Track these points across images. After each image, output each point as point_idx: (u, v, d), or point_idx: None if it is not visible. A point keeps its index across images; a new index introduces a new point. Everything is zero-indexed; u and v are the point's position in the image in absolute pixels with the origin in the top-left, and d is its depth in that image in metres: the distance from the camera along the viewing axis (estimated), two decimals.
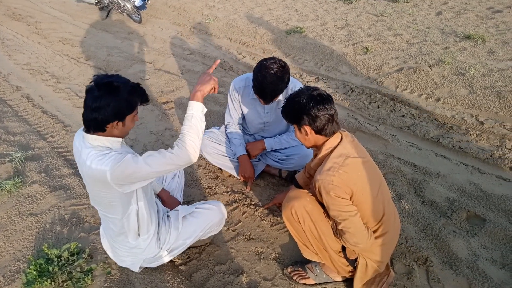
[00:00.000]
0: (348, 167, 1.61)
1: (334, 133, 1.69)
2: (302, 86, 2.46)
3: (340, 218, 1.62)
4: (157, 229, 1.93)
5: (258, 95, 2.30)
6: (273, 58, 2.20)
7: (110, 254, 2.04)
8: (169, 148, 1.68)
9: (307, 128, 1.68)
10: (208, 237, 2.25)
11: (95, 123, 1.57)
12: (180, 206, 2.11)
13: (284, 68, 2.18)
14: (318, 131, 1.67)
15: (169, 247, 1.96)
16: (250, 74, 2.43)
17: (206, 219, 2.04)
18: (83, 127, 1.63)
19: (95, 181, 1.62)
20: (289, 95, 1.75)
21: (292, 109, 1.71)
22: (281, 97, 2.44)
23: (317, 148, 1.78)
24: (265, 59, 2.20)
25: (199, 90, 1.74)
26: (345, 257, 1.83)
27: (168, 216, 2.04)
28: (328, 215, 1.79)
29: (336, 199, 1.58)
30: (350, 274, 1.89)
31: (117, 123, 1.60)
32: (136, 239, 1.86)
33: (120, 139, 1.68)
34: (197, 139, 1.69)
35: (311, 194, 1.83)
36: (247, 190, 2.66)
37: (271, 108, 2.55)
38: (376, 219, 1.71)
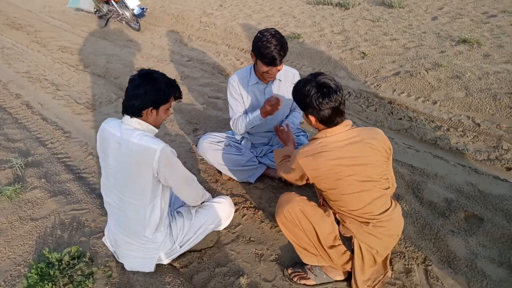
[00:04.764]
0: (321, 158, 1.70)
1: (338, 123, 1.72)
2: (297, 73, 2.60)
3: (284, 170, 1.92)
4: (169, 223, 2.05)
5: (266, 58, 2.27)
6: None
7: (121, 259, 2.09)
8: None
9: (312, 117, 1.75)
10: (211, 240, 2.27)
11: (133, 108, 1.76)
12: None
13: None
14: (322, 121, 1.73)
15: (181, 240, 2.08)
16: (241, 69, 2.59)
17: (216, 211, 2.20)
18: (115, 118, 1.86)
19: (140, 157, 1.75)
20: (297, 81, 1.80)
21: (298, 99, 1.77)
22: (281, 77, 2.54)
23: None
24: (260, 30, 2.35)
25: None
26: (341, 238, 1.85)
27: (178, 212, 2.16)
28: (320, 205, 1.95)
29: (293, 167, 1.80)
30: (348, 266, 1.89)
31: (151, 110, 1.78)
32: (153, 233, 1.95)
33: (156, 130, 1.88)
34: (202, 198, 2.16)
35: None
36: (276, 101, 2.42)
37: (271, 94, 2.58)
38: (353, 207, 1.77)
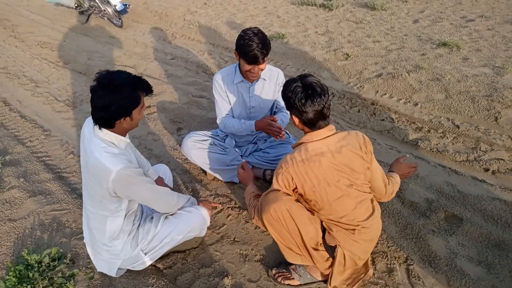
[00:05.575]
0: (313, 163, 1.68)
1: (320, 127, 1.72)
2: (281, 73, 2.63)
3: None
4: (135, 230, 1.95)
5: (248, 56, 2.28)
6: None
7: (91, 257, 2.04)
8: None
9: (295, 118, 1.75)
10: (196, 241, 2.25)
11: (103, 121, 1.65)
12: None
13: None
14: (305, 123, 1.73)
15: (145, 247, 1.97)
16: (225, 68, 2.61)
17: (186, 221, 2.07)
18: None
19: (97, 173, 1.67)
20: (286, 80, 1.80)
21: (284, 98, 1.77)
22: (265, 77, 2.57)
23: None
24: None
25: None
26: (325, 245, 1.86)
27: (151, 217, 2.06)
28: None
29: (279, 182, 1.75)
30: (329, 271, 1.91)
31: (124, 119, 1.67)
32: (111, 241, 1.87)
33: (127, 141, 1.79)
34: (176, 206, 2.06)
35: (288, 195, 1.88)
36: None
37: (255, 91, 2.60)
38: (339, 214, 1.77)
